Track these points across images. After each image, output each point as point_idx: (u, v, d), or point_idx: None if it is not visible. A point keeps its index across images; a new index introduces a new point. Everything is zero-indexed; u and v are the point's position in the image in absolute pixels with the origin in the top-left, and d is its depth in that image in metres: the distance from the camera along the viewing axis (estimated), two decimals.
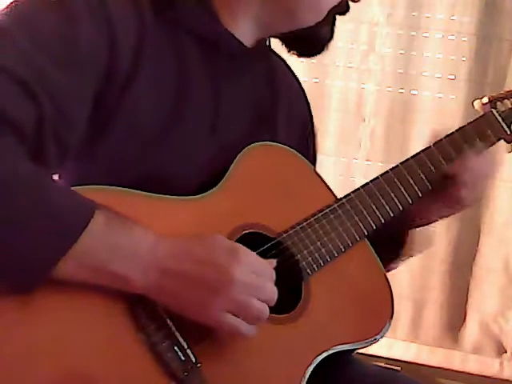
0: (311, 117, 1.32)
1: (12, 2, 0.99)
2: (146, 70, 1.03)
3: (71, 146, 0.98)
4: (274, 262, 1.03)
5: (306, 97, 1.32)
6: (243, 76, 1.16)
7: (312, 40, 1.16)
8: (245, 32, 1.14)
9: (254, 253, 1.00)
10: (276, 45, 1.23)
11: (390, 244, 1.26)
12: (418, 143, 2.31)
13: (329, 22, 1.15)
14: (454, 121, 2.25)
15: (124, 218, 0.95)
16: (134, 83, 1.02)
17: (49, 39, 0.95)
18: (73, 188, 0.97)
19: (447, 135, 1.23)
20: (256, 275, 0.98)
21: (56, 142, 0.94)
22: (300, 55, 1.20)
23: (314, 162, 1.32)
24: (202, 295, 0.95)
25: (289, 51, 1.20)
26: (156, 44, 1.05)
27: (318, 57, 2.44)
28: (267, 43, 1.22)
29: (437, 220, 1.26)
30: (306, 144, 1.30)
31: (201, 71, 1.10)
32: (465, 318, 2.37)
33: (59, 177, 1.07)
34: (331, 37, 1.17)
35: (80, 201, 0.93)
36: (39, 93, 0.91)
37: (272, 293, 0.99)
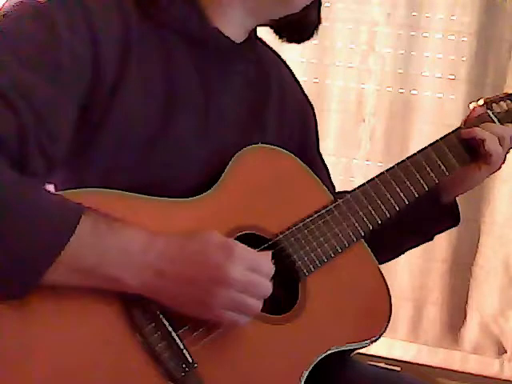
0: (308, 101, 1.32)
1: None
2: (133, 76, 1.03)
3: (56, 155, 0.97)
4: (269, 253, 1.02)
5: (298, 83, 1.32)
6: (233, 74, 1.16)
7: (301, 25, 1.18)
8: (234, 26, 1.14)
9: (250, 248, 1.00)
10: (273, 40, 1.23)
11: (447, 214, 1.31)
12: (417, 143, 2.31)
13: (315, 5, 1.16)
14: (453, 121, 2.24)
15: (113, 220, 0.94)
16: (122, 89, 1.01)
17: (29, 50, 0.95)
18: (70, 191, 0.97)
19: (443, 137, 1.23)
20: (251, 272, 0.97)
21: (40, 151, 0.94)
22: (290, 41, 1.21)
23: (317, 145, 1.33)
24: (197, 295, 0.95)
25: (280, 38, 1.21)
26: (143, 47, 1.05)
27: (318, 57, 2.46)
28: (256, 36, 1.22)
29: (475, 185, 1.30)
30: (305, 129, 1.30)
31: (190, 72, 1.10)
32: (465, 318, 2.37)
33: (55, 187, 1.06)
34: (319, 21, 1.18)
35: (66, 206, 0.92)
36: (18, 103, 0.91)
37: (266, 289, 0.99)
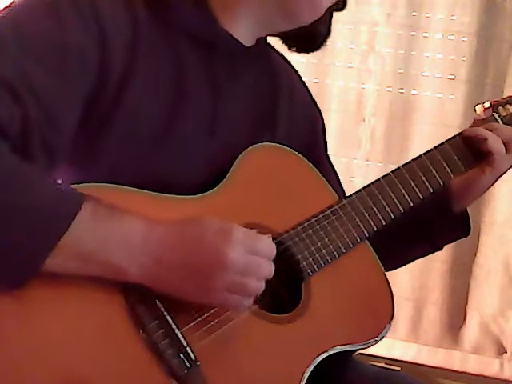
0: (316, 105, 1.33)
1: (5, 7, 0.99)
2: (141, 73, 1.03)
3: (59, 150, 0.97)
4: (269, 236, 1.02)
5: (306, 87, 1.32)
6: (242, 76, 1.16)
7: (310, 37, 1.18)
8: (243, 31, 1.14)
9: (249, 230, 0.99)
10: (276, 43, 1.23)
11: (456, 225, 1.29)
12: (417, 143, 2.31)
13: (326, 18, 1.16)
14: (453, 121, 2.25)
15: (113, 208, 0.94)
16: (129, 86, 1.02)
17: (37, 44, 0.95)
18: (74, 185, 0.97)
19: (449, 139, 1.23)
20: (250, 254, 0.97)
21: (42, 145, 0.94)
22: (299, 51, 1.21)
23: (325, 148, 1.33)
24: (197, 279, 0.95)
25: (289, 49, 1.21)
26: (152, 46, 1.05)
27: (318, 57, 2.46)
28: (266, 40, 1.22)
29: (481, 193, 1.28)
30: (314, 132, 1.31)
31: (199, 72, 1.10)
32: (465, 318, 2.37)
33: (62, 182, 1.07)
34: (329, 33, 1.19)
35: (67, 193, 0.93)
36: (24, 95, 0.92)
37: (267, 270, 0.99)
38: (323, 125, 1.33)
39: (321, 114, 1.33)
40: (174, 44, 1.08)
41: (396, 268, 1.34)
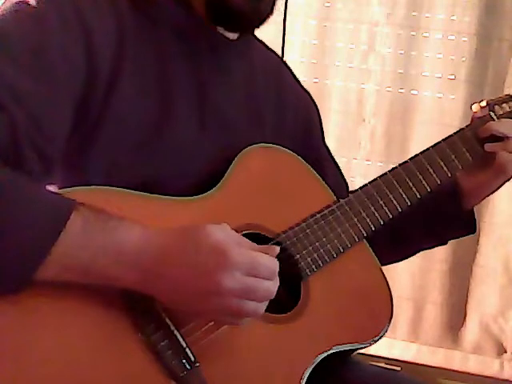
0: (310, 97, 1.33)
1: None
2: (128, 73, 1.03)
3: (53, 155, 0.97)
4: (274, 249, 0.98)
5: (299, 82, 1.32)
6: (228, 69, 1.16)
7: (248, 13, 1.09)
8: None
9: (251, 246, 0.95)
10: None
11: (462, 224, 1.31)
12: (417, 143, 2.31)
13: None
14: (453, 121, 2.25)
15: (106, 217, 0.92)
16: (118, 87, 1.01)
17: (20, 51, 0.94)
18: (69, 188, 0.97)
19: (446, 138, 1.23)
20: (248, 276, 0.92)
21: (34, 151, 0.93)
22: (231, 30, 1.13)
23: (322, 138, 1.34)
24: (190, 301, 0.93)
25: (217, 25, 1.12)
26: (137, 44, 1.05)
27: (318, 57, 2.46)
28: (253, 34, 1.21)
29: (489, 194, 1.31)
30: (309, 126, 1.31)
31: (184, 68, 1.10)
32: (465, 318, 2.37)
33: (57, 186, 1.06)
34: (271, 11, 1.11)
35: (56, 203, 0.91)
36: (9, 103, 0.91)
37: (267, 292, 0.94)
38: (318, 114, 1.33)
39: (315, 105, 1.33)
40: (159, 40, 1.08)
41: (398, 261, 1.36)
